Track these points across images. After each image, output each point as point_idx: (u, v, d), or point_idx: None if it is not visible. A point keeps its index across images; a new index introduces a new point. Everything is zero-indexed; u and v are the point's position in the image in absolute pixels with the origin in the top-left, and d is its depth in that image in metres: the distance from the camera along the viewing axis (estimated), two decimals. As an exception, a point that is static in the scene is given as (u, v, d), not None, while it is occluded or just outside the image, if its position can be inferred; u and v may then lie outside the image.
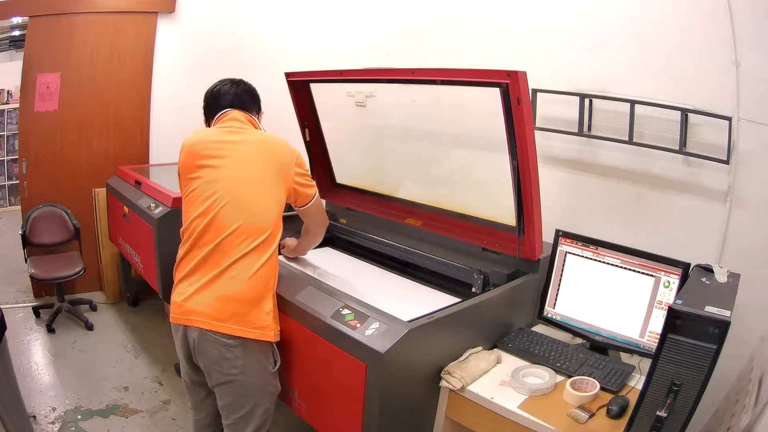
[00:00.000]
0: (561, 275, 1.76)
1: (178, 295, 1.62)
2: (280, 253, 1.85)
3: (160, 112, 3.86)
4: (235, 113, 1.75)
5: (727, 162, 1.68)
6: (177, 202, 2.25)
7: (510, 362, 1.61)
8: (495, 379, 1.52)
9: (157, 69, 3.79)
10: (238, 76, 1.87)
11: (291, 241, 2.10)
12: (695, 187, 1.79)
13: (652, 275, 1.57)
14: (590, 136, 2.00)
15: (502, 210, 1.80)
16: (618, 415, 1.34)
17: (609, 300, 1.66)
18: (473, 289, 1.87)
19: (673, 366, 1.07)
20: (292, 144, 1.75)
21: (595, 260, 1.69)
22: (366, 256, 2.31)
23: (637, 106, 1.82)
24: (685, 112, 1.73)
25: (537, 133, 1.67)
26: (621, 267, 1.63)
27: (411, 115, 2.02)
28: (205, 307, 1.56)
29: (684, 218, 1.82)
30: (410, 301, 1.83)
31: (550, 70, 2.05)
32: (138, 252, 2.92)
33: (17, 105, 4.35)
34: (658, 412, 1.08)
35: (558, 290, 1.77)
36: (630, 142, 1.86)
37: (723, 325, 1.02)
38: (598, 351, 1.66)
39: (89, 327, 3.38)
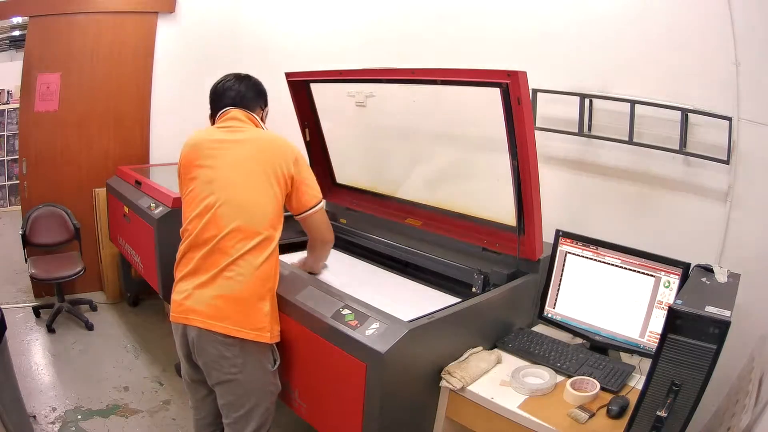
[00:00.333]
0: (561, 275, 1.76)
1: (177, 294, 1.63)
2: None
3: (160, 112, 3.85)
4: (235, 112, 1.74)
5: (727, 162, 1.67)
6: (177, 202, 2.25)
7: (510, 362, 1.61)
8: (495, 379, 1.52)
9: (157, 69, 3.79)
10: None
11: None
12: (695, 187, 1.79)
13: (652, 275, 1.57)
14: (590, 136, 2.00)
15: (502, 210, 1.80)
16: (618, 415, 1.34)
17: (609, 300, 1.66)
18: (473, 289, 1.87)
19: (674, 366, 1.07)
20: (292, 142, 1.75)
21: (596, 260, 1.69)
22: (366, 256, 2.31)
23: (637, 106, 1.82)
24: (685, 112, 1.72)
25: (537, 133, 1.67)
26: (621, 267, 1.63)
27: (411, 115, 2.02)
28: (203, 306, 1.56)
29: (684, 218, 1.82)
30: (410, 301, 1.83)
31: (551, 70, 2.05)
32: (138, 252, 2.92)
33: (17, 105, 4.37)
34: (658, 412, 1.08)
35: (558, 290, 1.77)
36: (630, 142, 1.86)
37: (723, 325, 1.02)
38: (598, 351, 1.66)
39: (89, 327, 3.38)
